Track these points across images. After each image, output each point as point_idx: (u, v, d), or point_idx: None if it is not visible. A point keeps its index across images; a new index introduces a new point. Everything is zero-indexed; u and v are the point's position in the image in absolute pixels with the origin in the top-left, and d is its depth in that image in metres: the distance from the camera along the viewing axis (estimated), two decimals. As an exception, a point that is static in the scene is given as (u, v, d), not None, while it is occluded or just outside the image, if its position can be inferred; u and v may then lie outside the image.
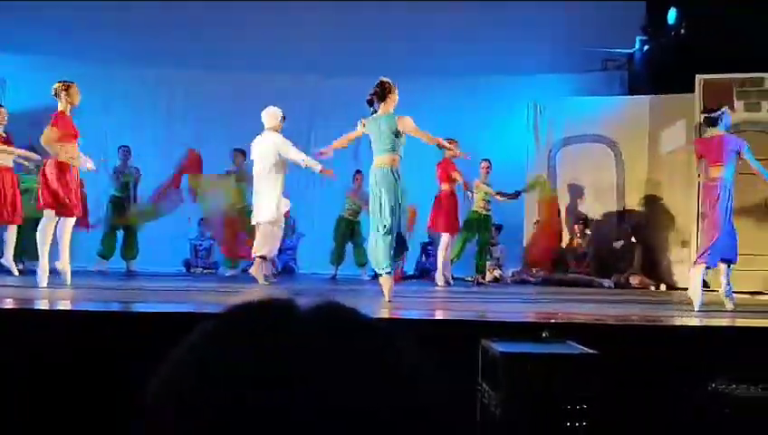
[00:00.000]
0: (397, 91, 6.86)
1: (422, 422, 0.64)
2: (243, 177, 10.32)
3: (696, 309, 6.85)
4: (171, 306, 5.98)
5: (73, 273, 9.53)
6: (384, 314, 5.81)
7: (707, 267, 7.04)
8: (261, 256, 8.49)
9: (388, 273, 6.66)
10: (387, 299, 6.58)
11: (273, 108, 8.80)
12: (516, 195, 10.66)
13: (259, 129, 10.91)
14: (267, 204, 8.52)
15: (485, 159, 10.39)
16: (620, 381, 4.44)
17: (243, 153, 10.19)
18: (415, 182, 9.24)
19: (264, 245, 8.49)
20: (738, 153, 7.07)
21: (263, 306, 0.69)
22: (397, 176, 6.65)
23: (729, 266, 7.11)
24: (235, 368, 0.62)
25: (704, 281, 9.20)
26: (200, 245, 11.52)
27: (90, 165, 7.72)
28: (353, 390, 0.61)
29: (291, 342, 0.63)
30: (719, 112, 7.23)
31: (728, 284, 7.08)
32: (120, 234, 10.58)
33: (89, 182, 10.27)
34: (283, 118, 8.75)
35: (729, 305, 7.01)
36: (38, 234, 7.21)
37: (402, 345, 0.68)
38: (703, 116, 7.36)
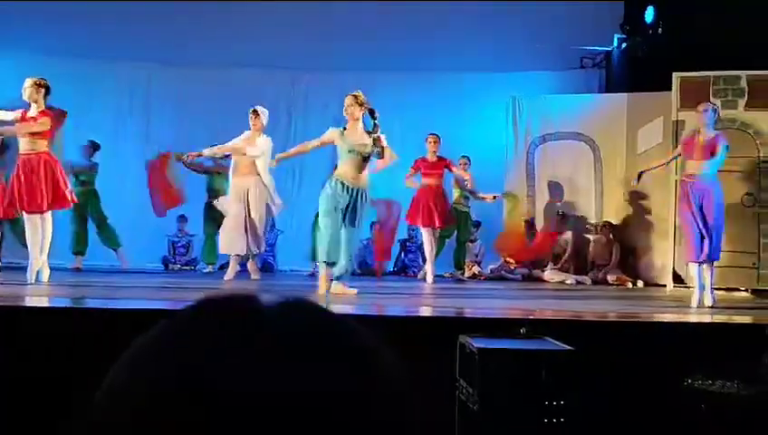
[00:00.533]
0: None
1: (389, 417, 0.63)
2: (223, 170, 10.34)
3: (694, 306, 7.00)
4: (140, 303, 5.96)
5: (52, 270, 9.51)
6: (362, 311, 5.81)
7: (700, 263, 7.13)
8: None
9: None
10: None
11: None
12: (493, 198, 10.69)
13: (236, 123, 10.90)
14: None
15: (464, 156, 10.41)
16: (597, 378, 4.46)
17: None
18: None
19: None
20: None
21: (224, 303, 0.67)
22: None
23: (712, 264, 7.16)
24: (193, 366, 0.60)
25: (679, 277, 9.30)
26: (178, 241, 11.46)
27: None
28: (317, 386, 0.60)
29: (253, 338, 0.61)
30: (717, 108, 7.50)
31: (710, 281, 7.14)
32: (91, 227, 10.47)
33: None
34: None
35: (708, 302, 7.07)
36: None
37: (367, 339, 0.67)
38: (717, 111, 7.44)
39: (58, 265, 10.00)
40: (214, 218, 10.58)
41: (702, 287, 7.16)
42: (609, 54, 12.04)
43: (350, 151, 6.97)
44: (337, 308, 5.85)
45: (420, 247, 10.80)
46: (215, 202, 9.54)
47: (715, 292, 8.45)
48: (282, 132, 11.97)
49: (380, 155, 7.13)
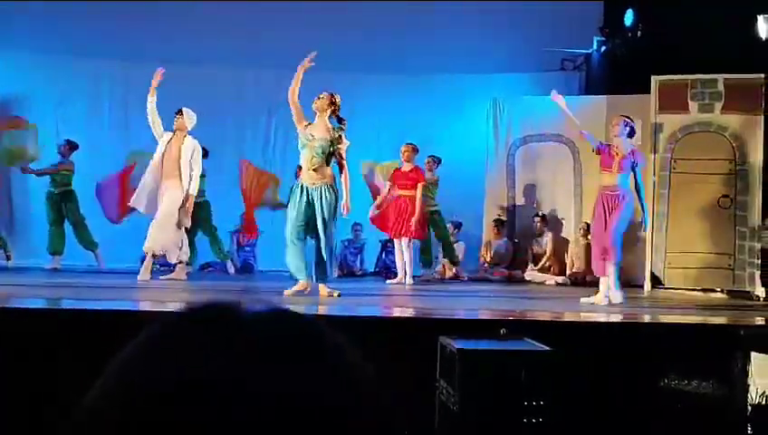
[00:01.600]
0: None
1: (366, 422, 0.67)
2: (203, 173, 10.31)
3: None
4: (115, 304, 5.96)
5: (27, 270, 9.49)
6: (344, 312, 5.85)
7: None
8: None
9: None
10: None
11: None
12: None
13: (218, 123, 10.87)
14: None
15: (431, 156, 10.36)
16: (575, 378, 4.51)
17: (204, 151, 10.16)
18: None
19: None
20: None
21: (207, 311, 0.71)
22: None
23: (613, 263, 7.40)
24: (178, 369, 0.63)
25: (657, 278, 9.39)
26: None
27: None
28: (291, 386, 0.64)
29: (234, 347, 0.65)
30: (634, 124, 7.65)
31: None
32: (68, 228, 10.43)
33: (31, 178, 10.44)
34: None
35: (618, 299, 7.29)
36: None
37: (336, 341, 0.71)
38: (630, 126, 7.60)
39: (36, 265, 10.02)
40: (193, 219, 10.58)
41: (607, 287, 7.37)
42: (588, 57, 12.13)
43: (303, 147, 6.95)
44: (318, 310, 5.89)
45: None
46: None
47: (691, 292, 8.64)
48: (262, 131, 12.01)
49: (339, 160, 7.04)
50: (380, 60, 11.51)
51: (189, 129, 8.76)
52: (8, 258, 10.17)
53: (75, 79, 11.64)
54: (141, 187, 8.67)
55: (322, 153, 6.89)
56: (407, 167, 9.73)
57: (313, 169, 6.89)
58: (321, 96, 7.07)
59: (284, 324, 0.70)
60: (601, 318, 6.24)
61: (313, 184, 6.90)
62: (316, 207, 6.87)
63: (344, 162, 7.10)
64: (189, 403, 0.61)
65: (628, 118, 7.68)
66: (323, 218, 6.88)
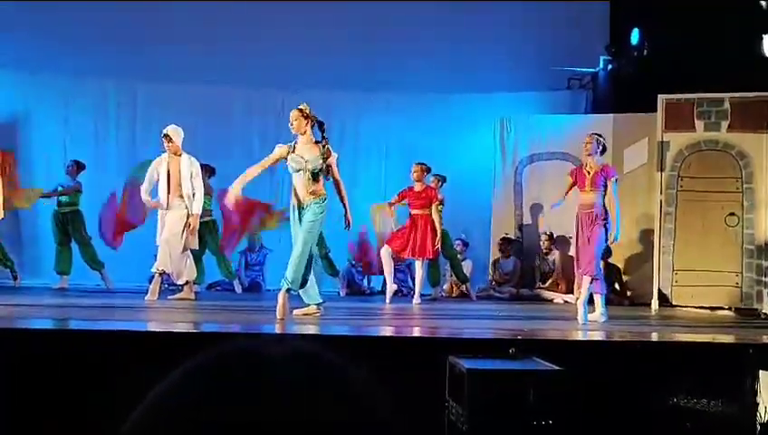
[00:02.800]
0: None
1: None
2: (209, 191, 10.36)
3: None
4: (124, 324, 5.99)
5: (36, 289, 9.52)
6: (352, 332, 5.87)
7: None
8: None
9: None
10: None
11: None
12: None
13: (225, 142, 10.92)
14: None
15: (436, 175, 10.31)
16: (585, 397, 4.52)
17: (211, 169, 10.23)
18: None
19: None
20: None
21: (237, 351, 0.76)
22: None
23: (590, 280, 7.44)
24: (210, 399, 0.69)
25: (665, 296, 9.40)
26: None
27: None
28: (312, 415, 0.68)
29: (260, 377, 0.71)
30: (605, 141, 7.77)
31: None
32: (75, 248, 10.47)
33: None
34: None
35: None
36: None
37: (356, 374, 0.76)
38: (602, 144, 7.69)
39: (43, 285, 10.06)
40: (201, 239, 10.62)
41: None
42: (595, 75, 12.19)
43: (297, 171, 6.76)
44: (330, 331, 5.91)
45: (409, 267, 10.83)
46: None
47: (699, 310, 8.65)
48: (269, 151, 12.05)
49: (328, 172, 6.89)
50: (387, 79, 11.57)
51: (180, 144, 8.70)
52: (15, 278, 10.21)
53: (82, 98, 11.71)
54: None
55: (318, 173, 6.77)
56: (418, 186, 9.67)
57: (305, 190, 6.76)
58: (292, 119, 6.84)
59: (307, 366, 0.74)
60: (609, 337, 6.25)
61: (303, 202, 6.77)
62: (302, 221, 6.75)
63: (338, 177, 7.02)
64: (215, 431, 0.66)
65: (598, 135, 7.77)
66: (304, 229, 6.74)
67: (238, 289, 10.70)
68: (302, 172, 6.74)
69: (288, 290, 6.76)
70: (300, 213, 6.77)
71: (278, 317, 6.61)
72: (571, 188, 8.02)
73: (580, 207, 7.62)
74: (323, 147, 6.78)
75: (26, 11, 11.04)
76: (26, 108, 11.58)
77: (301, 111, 6.82)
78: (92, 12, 11.13)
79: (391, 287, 9.58)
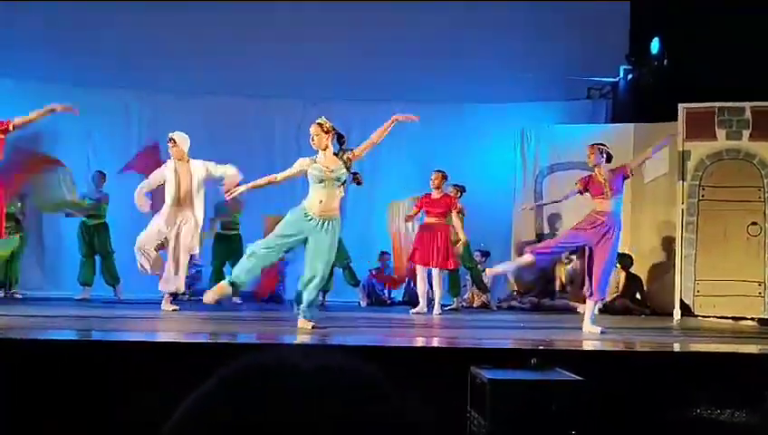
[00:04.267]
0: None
1: None
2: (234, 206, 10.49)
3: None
4: (142, 335, 6.04)
5: (56, 300, 9.57)
6: (374, 342, 5.89)
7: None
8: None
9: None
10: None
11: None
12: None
13: (246, 152, 10.96)
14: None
15: (455, 185, 10.28)
16: (607, 407, 4.51)
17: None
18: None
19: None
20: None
21: (268, 361, 0.78)
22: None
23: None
24: (246, 407, 0.72)
25: (687, 306, 9.35)
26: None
27: None
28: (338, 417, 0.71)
29: (288, 384, 0.73)
30: (609, 150, 7.65)
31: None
32: (98, 260, 10.53)
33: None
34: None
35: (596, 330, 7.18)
36: None
37: (383, 382, 0.78)
38: (606, 152, 7.57)
39: (65, 296, 10.11)
40: (223, 249, 10.68)
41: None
42: (615, 85, 12.17)
43: (320, 182, 6.62)
44: (351, 341, 5.94)
45: (428, 277, 10.83)
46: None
47: (721, 320, 8.59)
48: (292, 161, 12.11)
49: (355, 179, 6.93)
50: (406, 89, 11.59)
51: (186, 151, 8.61)
52: (12, 295, 10.08)
53: (104, 109, 11.80)
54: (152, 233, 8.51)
55: (337, 187, 6.70)
56: (436, 194, 9.65)
57: (328, 201, 6.63)
58: (313, 134, 6.75)
59: (336, 375, 0.77)
60: (631, 347, 6.23)
61: (326, 217, 6.63)
62: (319, 237, 6.57)
63: (360, 179, 7.06)
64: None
65: (601, 145, 7.66)
66: (326, 248, 6.59)
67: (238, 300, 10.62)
68: (325, 183, 6.64)
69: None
70: (315, 224, 6.58)
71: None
72: (572, 195, 7.99)
73: (596, 212, 7.41)
74: (343, 156, 6.72)
75: (49, 25, 11.16)
76: (48, 121, 11.63)
77: (320, 125, 6.74)
78: (114, 24, 11.24)
79: (422, 306, 9.45)
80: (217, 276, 10.40)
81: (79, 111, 7.66)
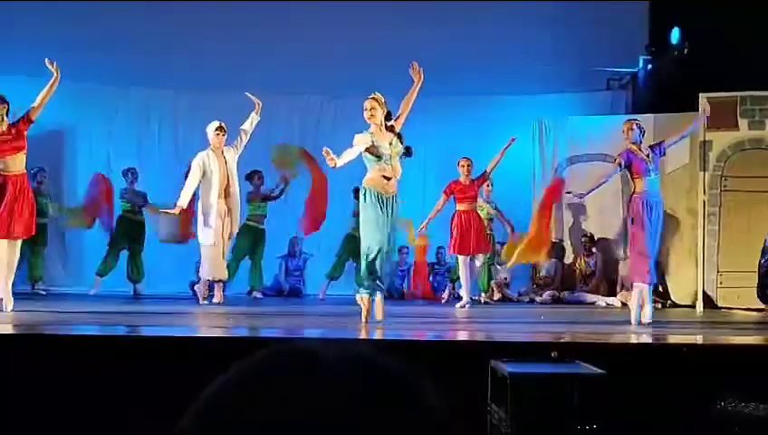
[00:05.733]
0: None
1: None
2: (257, 197, 10.50)
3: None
4: (169, 330, 6.06)
5: (75, 296, 9.62)
6: (394, 336, 5.86)
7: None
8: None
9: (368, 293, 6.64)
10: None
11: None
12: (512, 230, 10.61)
13: (266, 148, 10.94)
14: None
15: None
16: (629, 401, 4.47)
17: (259, 174, 10.39)
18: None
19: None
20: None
21: (291, 351, 0.75)
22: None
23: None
24: (266, 398, 0.69)
25: (710, 298, 9.26)
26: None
27: None
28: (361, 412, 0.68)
29: (315, 376, 0.70)
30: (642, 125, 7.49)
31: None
32: (123, 255, 10.57)
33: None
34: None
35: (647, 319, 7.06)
36: None
37: (408, 374, 0.75)
38: (642, 128, 7.41)
39: (113, 293, 10.15)
40: (253, 245, 10.62)
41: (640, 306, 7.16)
42: (635, 75, 12.06)
43: (379, 158, 6.51)
44: (375, 335, 5.91)
45: (449, 270, 10.81)
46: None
47: (732, 311, 8.46)
48: (312, 156, 12.11)
49: (407, 151, 6.76)
50: (425, 82, 11.53)
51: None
52: (36, 293, 10.12)
53: (125, 108, 11.86)
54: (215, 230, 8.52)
55: (402, 155, 6.65)
56: (466, 180, 9.63)
57: (389, 179, 6.55)
58: (369, 108, 6.65)
59: (361, 369, 0.73)
60: (654, 340, 6.17)
61: (387, 192, 6.55)
62: (388, 216, 6.53)
63: (412, 152, 6.91)
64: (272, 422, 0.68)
65: (635, 120, 7.53)
66: (393, 225, 6.62)
67: (259, 295, 10.65)
68: (384, 160, 6.54)
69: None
70: (384, 205, 6.50)
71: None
72: (613, 174, 7.84)
73: (642, 193, 7.13)
74: (392, 129, 6.67)
75: (67, 24, 11.17)
76: (70, 119, 11.66)
77: (377, 99, 6.68)
78: (134, 23, 11.25)
79: (466, 300, 9.35)
80: (258, 271, 10.49)
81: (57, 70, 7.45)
